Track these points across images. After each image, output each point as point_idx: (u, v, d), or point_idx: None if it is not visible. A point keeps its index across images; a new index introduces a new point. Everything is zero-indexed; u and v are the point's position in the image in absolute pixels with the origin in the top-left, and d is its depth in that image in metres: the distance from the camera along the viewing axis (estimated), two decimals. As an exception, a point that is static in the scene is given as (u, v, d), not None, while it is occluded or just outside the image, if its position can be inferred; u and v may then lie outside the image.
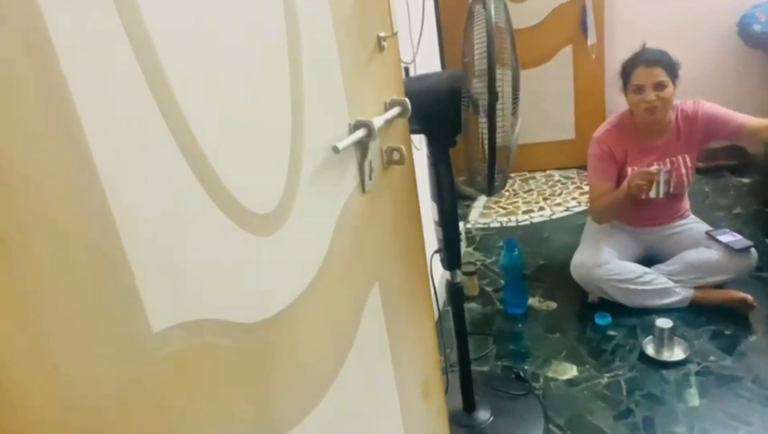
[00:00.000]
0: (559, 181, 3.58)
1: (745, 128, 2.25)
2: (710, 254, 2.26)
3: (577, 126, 3.60)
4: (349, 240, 1.08)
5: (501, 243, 2.97)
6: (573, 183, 3.52)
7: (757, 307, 2.16)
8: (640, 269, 2.31)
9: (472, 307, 2.50)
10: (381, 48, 1.20)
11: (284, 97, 0.87)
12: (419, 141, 1.79)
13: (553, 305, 2.44)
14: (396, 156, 1.25)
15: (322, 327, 1.00)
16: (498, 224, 3.18)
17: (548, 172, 3.70)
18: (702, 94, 2.72)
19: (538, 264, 2.75)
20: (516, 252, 2.36)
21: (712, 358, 2.01)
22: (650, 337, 2.10)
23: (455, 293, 1.69)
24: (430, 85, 1.51)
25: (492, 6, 1.35)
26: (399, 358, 1.30)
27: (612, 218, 2.39)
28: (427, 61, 2.40)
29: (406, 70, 1.56)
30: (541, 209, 3.27)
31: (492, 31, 1.34)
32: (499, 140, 1.40)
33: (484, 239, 3.05)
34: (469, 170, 1.51)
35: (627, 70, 2.27)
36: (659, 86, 2.18)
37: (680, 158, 2.37)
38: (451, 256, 1.65)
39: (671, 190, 2.21)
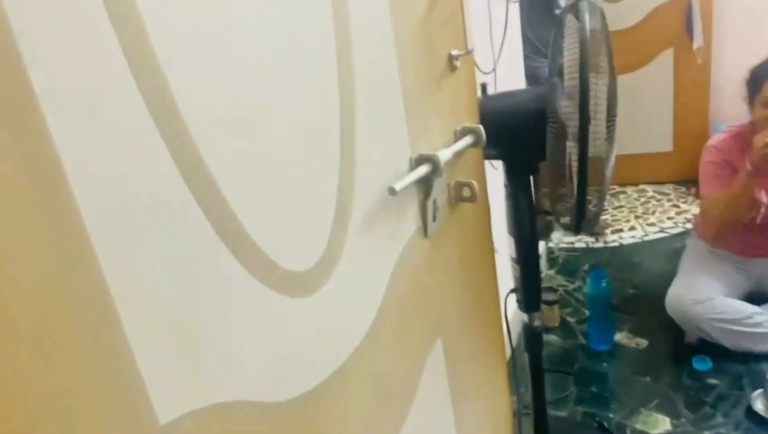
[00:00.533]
0: (653, 197, 3.27)
1: None
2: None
3: (675, 137, 3.27)
4: (406, 294, 0.93)
5: (586, 267, 2.73)
6: (669, 200, 3.20)
7: None
8: (749, 308, 2.02)
9: (551, 340, 2.28)
10: (452, 68, 1.04)
11: (332, 130, 0.72)
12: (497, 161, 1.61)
13: (644, 343, 2.19)
14: (466, 193, 1.08)
15: (372, 395, 0.85)
16: (584, 245, 2.93)
17: (641, 186, 3.39)
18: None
19: (627, 293, 2.48)
20: (604, 283, 2.12)
21: (838, 423, 1.71)
22: (760, 391, 1.82)
23: (533, 339, 1.49)
24: (510, 106, 1.32)
25: (587, 15, 1.15)
26: (463, 420, 1.13)
27: (732, 229, 2.07)
28: (510, 73, 2.20)
29: (483, 87, 1.38)
30: (632, 229, 2.99)
31: (586, 45, 1.14)
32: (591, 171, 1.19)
33: (568, 262, 2.81)
34: (552, 202, 1.32)
35: (758, 79, 1.98)
36: None
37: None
38: (529, 298, 1.46)
39: None
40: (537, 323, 1.51)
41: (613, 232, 2.99)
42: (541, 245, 2.69)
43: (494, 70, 1.99)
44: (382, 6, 0.81)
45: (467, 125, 1.08)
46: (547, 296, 2.34)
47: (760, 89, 1.95)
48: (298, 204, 0.66)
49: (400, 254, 0.90)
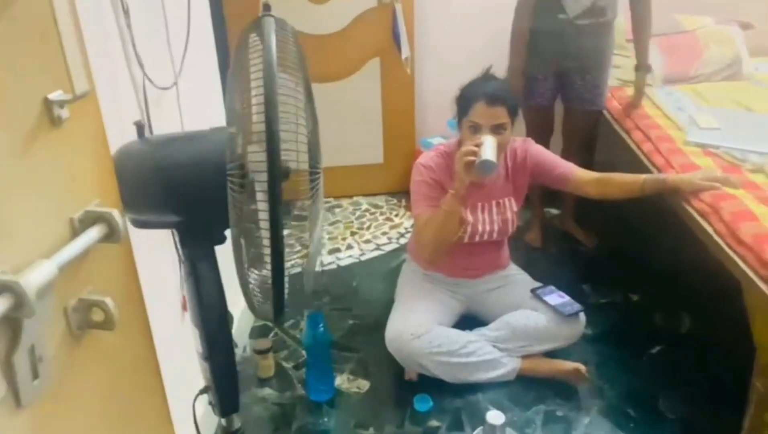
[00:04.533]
0: (367, 211, 3.17)
1: (571, 180, 2.01)
2: (537, 319, 1.99)
3: (385, 149, 3.22)
4: None
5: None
6: (382, 213, 3.14)
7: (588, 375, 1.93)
8: (463, 337, 1.96)
9: (266, 394, 1.97)
10: (54, 121, 0.62)
11: None
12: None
13: (366, 385, 2.00)
14: (98, 316, 0.68)
15: None
16: (299, 270, 2.67)
17: (355, 199, 3.28)
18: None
19: (347, 326, 2.30)
20: (321, 328, 1.88)
21: (548, 455, 1.71)
22: (479, 430, 1.74)
23: (232, 451, 1.14)
24: (182, 156, 0.94)
25: (273, 37, 0.83)
26: None
27: (445, 250, 1.98)
28: (200, 90, 1.80)
29: (140, 128, 0.97)
30: (349, 247, 2.84)
31: (273, 77, 0.81)
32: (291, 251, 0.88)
33: (283, 291, 2.52)
34: (242, 283, 0.98)
35: (465, 101, 1.91)
36: (498, 129, 1.85)
37: (506, 201, 2.07)
38: (224, 399, 1.11)
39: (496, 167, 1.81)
40: (237, 426, 1.17)
41: (331, 252, 2.80)
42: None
43: (176, 84, 1.58)
44: None
45: (93, 207, 0.67)
46: (258, 345, 2.02)
47: (467, 111, 1.89)
48: None
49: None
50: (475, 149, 1.77)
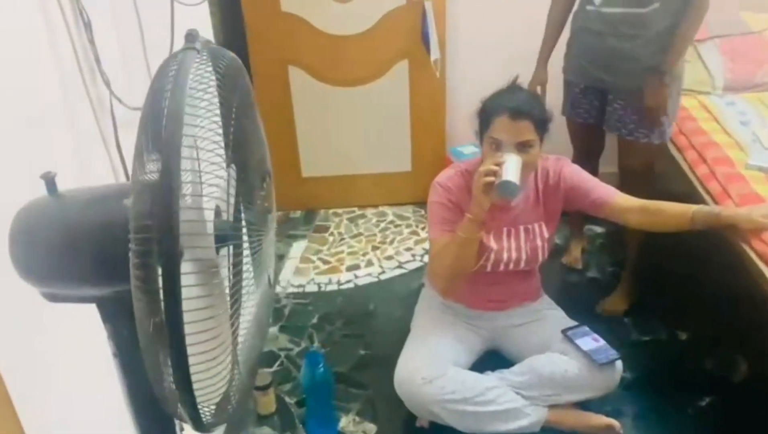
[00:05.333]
0: (392, 222, 2.97)
1: (608, 206, 1.76)
2: (567, 365, 1.75)
3: (413, 157, 3.01)
4: None
5: (316, 319, 2.31)
6: (408, 226, 2.93)
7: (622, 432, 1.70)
8: (482, 382, 1.75)
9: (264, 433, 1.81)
10: None
11: None
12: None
13: (372, 429, 1.82)
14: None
15: None
16: (315, 288, 2.51)
17: (381, 209, 3.09)
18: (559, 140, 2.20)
19: (357, 356, 2.11)
20: (321, 367, 1.70)
21: None
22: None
23: None
24: (96, 218, 0.76)
25: (187, 80, 0.64)
26: None
27: (460, 281, 1.78)
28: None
29: (49, 181, 0.79)
30: (369, 264, 2.65)
31: (179, 108, 0.63)
32: (199, 345, 0.69)
33: (296, 313, 2.36)
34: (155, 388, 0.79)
35: (487, 114, 1.70)
36: (523, 146, 1.63)
37: (536, 226, 1.84)
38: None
39: (520, 186, 1.59)
40: None
41: (349, 268, 2.62)
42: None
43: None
44: None
45: None
46: (257, 381, 1.86)
47: (488, 126, 1.67)
48: None
49: None
50: (496, 168, 1.56)
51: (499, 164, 1.57)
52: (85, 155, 1.19)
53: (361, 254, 2.72)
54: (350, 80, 2.83)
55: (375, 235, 2.88)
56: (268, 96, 2.81)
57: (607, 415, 1.78)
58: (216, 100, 0.72)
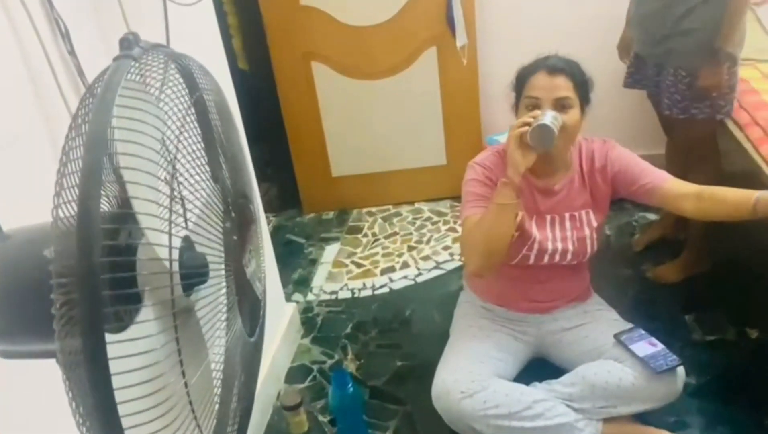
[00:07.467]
0: (429, 219, 2.83)
1: (660, 192, 1.58)
2: (621, 373, 1.58)
3: (448, 149, 2.85)
4: None
5: (349, 328, 2.19)
6: (445, 222, 2.79)
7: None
8: (528, 395, 1.60)
9: (295, 457, 1.71)
10: None
11: None
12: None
13: (410, 448, 1.70)
14: None
15: None
16: (349, 294, 2.39)
17: (417, 205, 2.95)
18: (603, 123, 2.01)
19: (394, 368, 1.99)
20: (350, 387, 1.58)
21: None
22: None
23: None
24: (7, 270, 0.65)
25: (114, 98, 0.52)
26: None
27: (496, 259, 1.56)
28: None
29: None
30: (405, 265, 2.52)
31: (101, 142, 0.51)
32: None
33: (329, 323, 2.25)
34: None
35: (522, 79, 1.59)
36: (561, 104, 1.50)
37: (583, 213, 1.68)
38: None
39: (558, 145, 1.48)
40: None
41: (384, 271, 2.50)
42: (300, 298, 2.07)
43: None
44: None
45: None
46: (286, 400, 1.75)
47: (524, 89, 1.56)
48: None
49: None
50: (530, 119, 1.43)
51: (534, 116, 1.43)
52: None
53: (396, 256, 2.59)
54: (376, 73, 2.69)
55: (411, 234, 2.74)
56: (292, 95, 2.71)
57: (670, 428, 1.61)
58: (166, 115, 0.60)
